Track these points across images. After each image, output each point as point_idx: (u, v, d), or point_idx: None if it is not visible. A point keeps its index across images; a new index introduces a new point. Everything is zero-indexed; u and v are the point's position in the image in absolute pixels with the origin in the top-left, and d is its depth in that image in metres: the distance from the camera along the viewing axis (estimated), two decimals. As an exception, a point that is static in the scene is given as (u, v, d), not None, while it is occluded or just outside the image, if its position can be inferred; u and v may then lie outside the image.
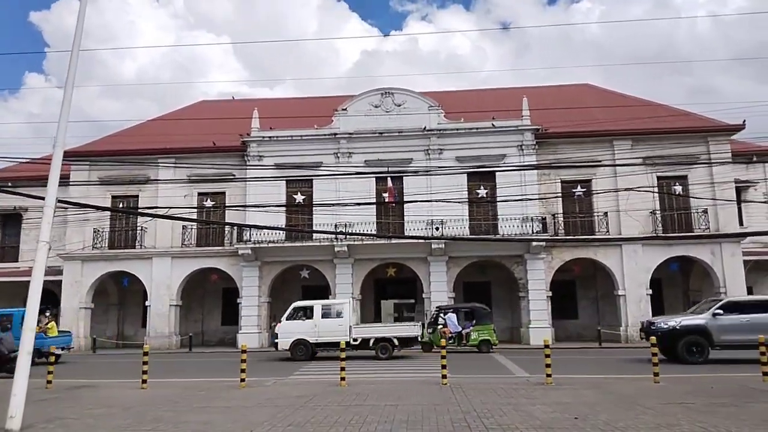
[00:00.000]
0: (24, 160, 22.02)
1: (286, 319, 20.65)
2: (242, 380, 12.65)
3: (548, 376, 12.17)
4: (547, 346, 12.55)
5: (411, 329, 20.59)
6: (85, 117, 72.53)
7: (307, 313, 20.71)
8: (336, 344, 19.52)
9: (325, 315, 20.62)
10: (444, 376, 12.36)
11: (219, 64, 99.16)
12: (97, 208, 17.64)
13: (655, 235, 25.59)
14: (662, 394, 10.61)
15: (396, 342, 20.01)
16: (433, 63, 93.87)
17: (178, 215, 15.59)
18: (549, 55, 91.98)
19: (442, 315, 22.69)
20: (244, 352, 13.13)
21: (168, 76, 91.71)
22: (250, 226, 16.35)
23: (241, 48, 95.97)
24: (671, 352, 17.36)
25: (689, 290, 28.13)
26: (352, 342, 19.95)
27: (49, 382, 13.05)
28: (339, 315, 20.56)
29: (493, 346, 22.22)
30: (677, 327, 17.25)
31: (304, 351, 20.00)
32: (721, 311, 17.22)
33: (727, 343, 17.00)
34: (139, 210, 25.64)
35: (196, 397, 11.25)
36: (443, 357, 12.46)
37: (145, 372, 12.82)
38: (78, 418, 9.02)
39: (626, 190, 20.83)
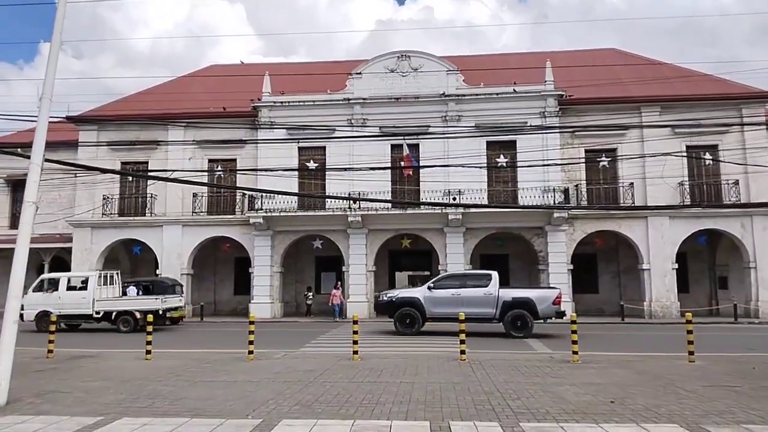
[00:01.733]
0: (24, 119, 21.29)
1: (33, 291, 20.51)
2: (250, 352, 12.04)
3: (575, 353, 11.41)
4: (573, 322, 11.75)
5: (153, 303, 20.18)
6: (99, 86, 71.91)
7: (53, 285, 20.61)
8: (80, 317, 19.86)
9: (71, 287, 20.49)
10: (462, 352, 11.65)
11: (232, 34, 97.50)
12: (104, 170, 16.97)
13: (688, 204, 24.24)
14: (700, 374, 9.79)
15: (138, 315, 19.67)
16: (450, 32, 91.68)
17: (188, 179, 14.89)
18: (568, 26, 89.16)
19: (125, 288, 22.39)
20: (252, 323, 12.49)
21: (182, 46, 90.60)
22: (261, 191, 15.64)
23: (254, 18, 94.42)
24: None
25: (716, 265, 27.07)
26: (94, 315, 20.02)
27: (50, 351, 12.54)
28: (83, 287, 20.40)
29: (182, 320, 22.35)
30: (394, 299, 18.16)
31: (49, 323, 19.72)
32: (434, 286, 18.06)
33: (437, 315, 17.78)
34: (150, 174, 24.98)
35: (201, 369, 10.64)
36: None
37: (149, 342, 12.26)
38: (70, 392, 8.41)
39: (664, 154, 19.61)
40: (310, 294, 27.34)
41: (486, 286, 17.68)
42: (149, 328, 12.55)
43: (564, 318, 17.60)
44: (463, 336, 11.69)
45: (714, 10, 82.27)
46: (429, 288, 18.08)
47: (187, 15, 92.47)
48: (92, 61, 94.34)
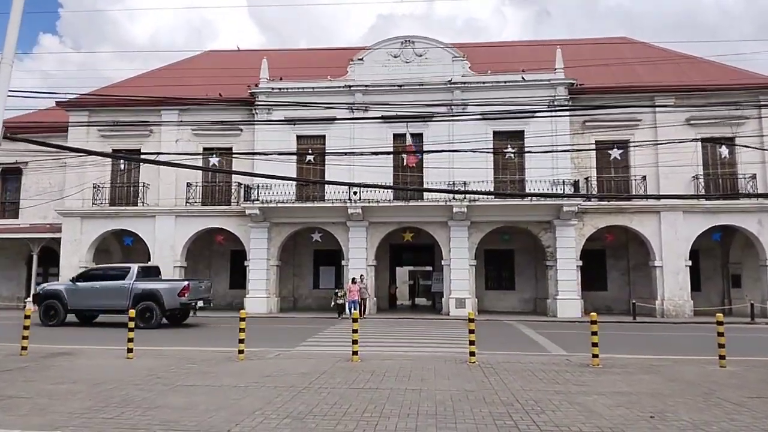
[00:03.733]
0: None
1: None
2: (240, 352, 11.04)
3: (595, 356, 10.42)
4: (594, 322, 10.71)
5: None
6: (98, 78, 70.78)
7: None
8: None
9: None
10: (472, 353, 10.67)
11: (233, 27, 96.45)
12: (91, 152, 15.93)
13: (704, 195, 23.05)
14: (738, 382, 8.80)
15: None
16: (450, 28, 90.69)
17: (181, 162, 13.79)
18: (572, 21, 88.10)
19: None
20: (242, 320, 11.46)
21: (181, 38, 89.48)
22: (257, 175, 14.66)
23: (255, 12, 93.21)
24: None
25: (729, 263, 26.08)
26: None
27: (23, 348, 11.52)
28: None
29: None
30: (40, 291, 19.22)
31: None
32: (80, 279, 19.18)
33: (79, 307, 18.81)
34: (141, 157, 23.93)
35: (185, 371, 9.64)
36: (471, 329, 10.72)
37: (130, 340, 11.24)
38: (30, 398, 7.41)
39: (693, 140, 18.59)
40: (340, 293, 23.34)
41: (124, 278, 18.48)
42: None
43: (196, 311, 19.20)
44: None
45: (715, 8, 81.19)
46: (72, 281, 19.15)
47: (187, 6, 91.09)
48: (91, 54, 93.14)
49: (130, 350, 11.18)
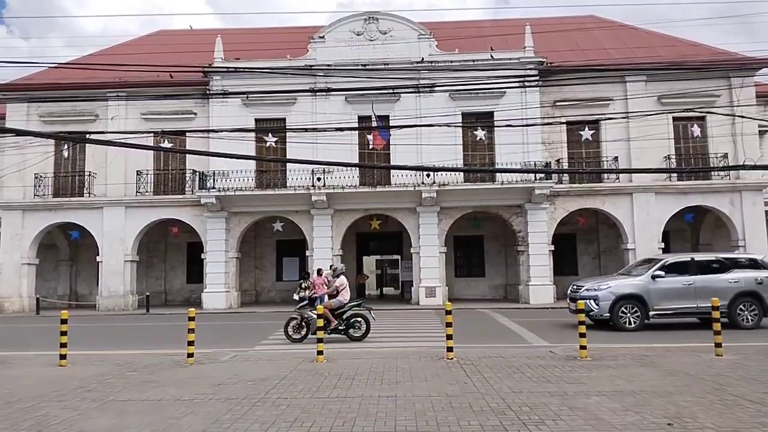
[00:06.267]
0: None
1: None
2: (190, 355, 9.76)
3: (583, 348, 9.53)
4: (581, 311, 9.82)
5: None
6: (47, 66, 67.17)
7: None
8: None
9: None
10: (450, 349, 9.65)
11: (189, 17, 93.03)
12: (25, 133, 14.29)
13: (675, 171, 22.67)
14: (744, 374, 8.00)
15: None
16: (410, 14, 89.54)
17: (124, 141, 12.31)
18: (530, 8, 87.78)
19: None
20: (192, 318, 10.11)
21: (136, 29, 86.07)
22: (213, 154, 13.34)
23: (214, 1, 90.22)
24: None
25: (699, 243, 25.82)
26: None
27: (-62, 358, 10.02)
28: None
29: None
30: None
31: None
32: None
33: None
34: (87, 140, 22.15)
35: (123, 380, 8.35)
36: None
37: (63, 345, 9.85)
38: None
39: (651, 113, 17.85)
40: (305, 283, 18.87)
41: None
42: None
43: None
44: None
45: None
46: None
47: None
48: (41, 42, 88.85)
49: (63, 356, 9.80)
